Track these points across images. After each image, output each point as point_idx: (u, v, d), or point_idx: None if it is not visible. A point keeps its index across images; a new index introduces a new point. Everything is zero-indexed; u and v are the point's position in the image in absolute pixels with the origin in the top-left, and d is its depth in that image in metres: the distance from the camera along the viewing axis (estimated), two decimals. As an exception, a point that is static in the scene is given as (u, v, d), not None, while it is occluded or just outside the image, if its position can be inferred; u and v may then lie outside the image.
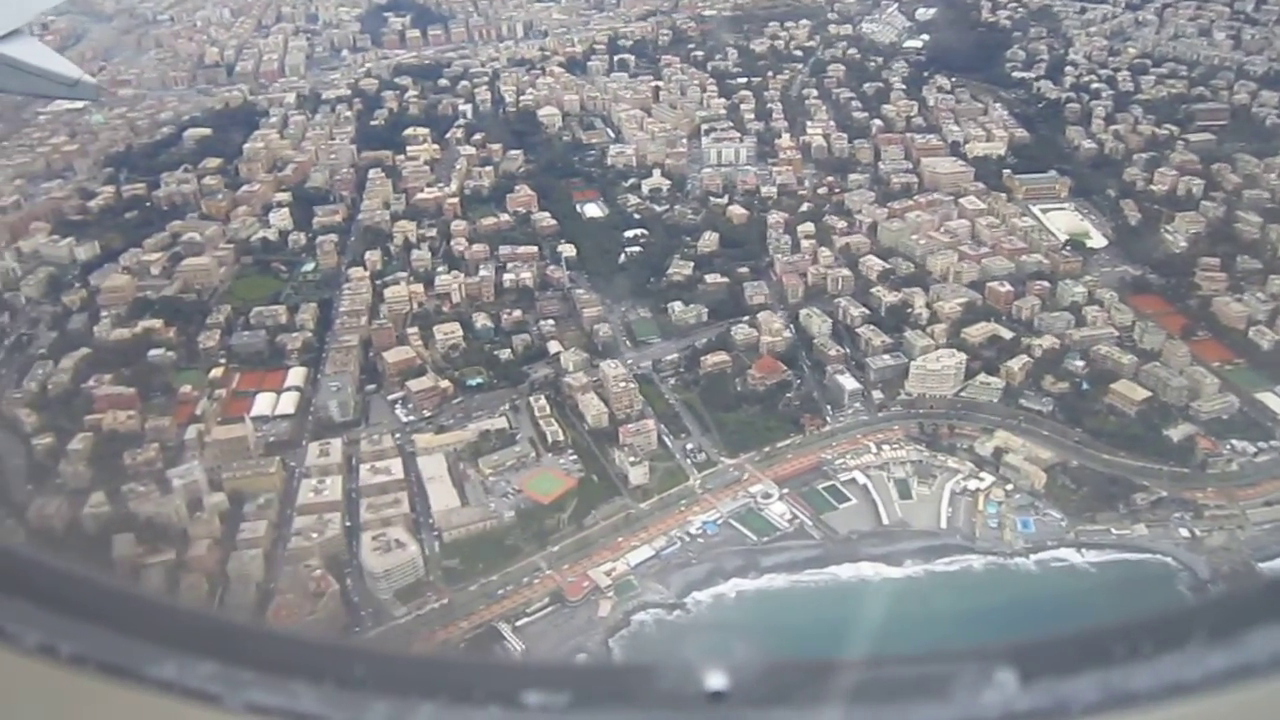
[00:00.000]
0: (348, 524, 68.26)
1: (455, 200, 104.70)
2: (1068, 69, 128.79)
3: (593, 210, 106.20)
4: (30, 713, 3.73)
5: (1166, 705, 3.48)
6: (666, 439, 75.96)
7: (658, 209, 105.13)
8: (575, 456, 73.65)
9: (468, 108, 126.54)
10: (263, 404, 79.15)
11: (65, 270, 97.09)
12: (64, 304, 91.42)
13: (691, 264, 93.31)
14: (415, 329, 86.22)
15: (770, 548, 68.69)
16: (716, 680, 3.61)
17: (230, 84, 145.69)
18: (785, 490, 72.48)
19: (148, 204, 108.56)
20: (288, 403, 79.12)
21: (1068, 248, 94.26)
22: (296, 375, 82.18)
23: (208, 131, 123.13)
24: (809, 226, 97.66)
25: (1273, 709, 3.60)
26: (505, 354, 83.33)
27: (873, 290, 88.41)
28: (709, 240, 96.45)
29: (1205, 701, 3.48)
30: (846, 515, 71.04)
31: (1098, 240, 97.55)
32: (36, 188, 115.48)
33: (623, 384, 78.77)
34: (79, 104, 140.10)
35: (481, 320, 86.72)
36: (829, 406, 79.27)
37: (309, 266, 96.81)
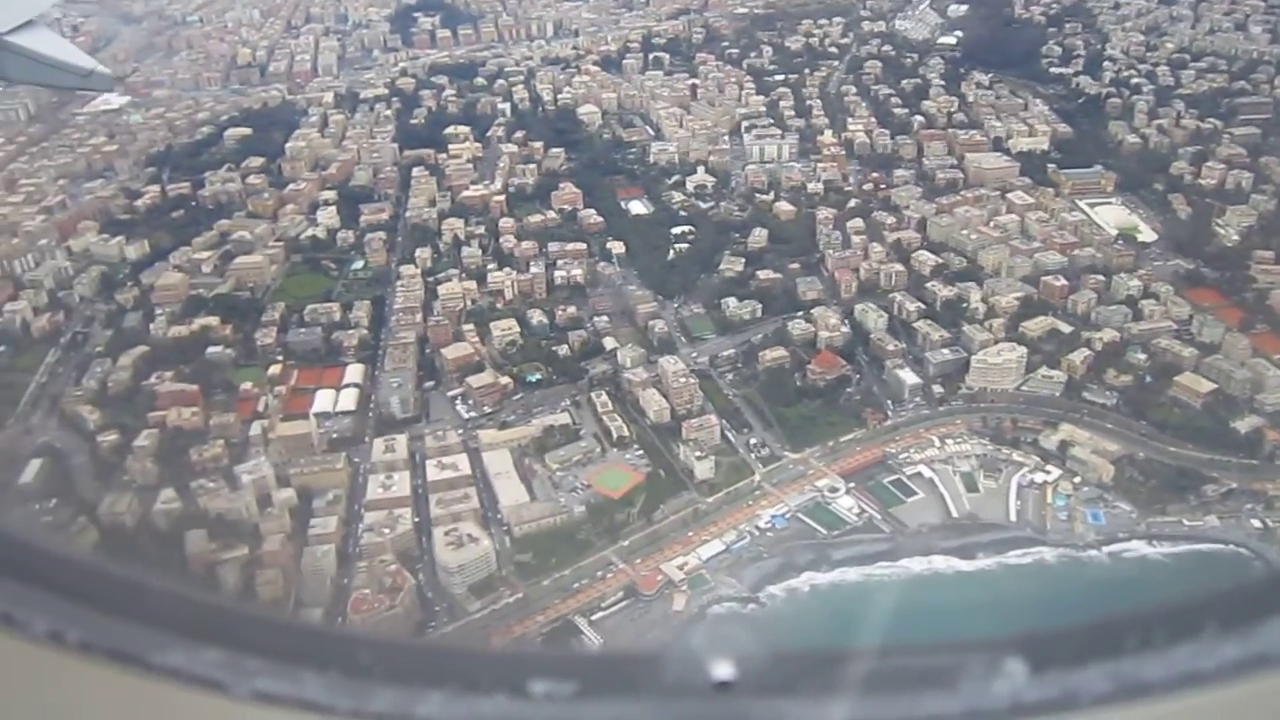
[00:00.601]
0: (417, 520, 68.06)
1: (501, 198, 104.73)
2: (1106, 64, 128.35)
3: (638, 207, 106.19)
4: (39, 700, 3.74)
5: (1179, 696, 3.45)
6: (729, 434, 75.87)
7: (703, 206, 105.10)
8: (641, 451, 73.60)
9: (506, 106, 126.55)
10: (323, 400, 79.22)
11: (116, 269, 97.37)
12: (118, 302, 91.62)
13: (742, 260, 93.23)
14: (471, 326, 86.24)
15: (840, 541, 68.61)
16: (723, 670, 3.57)
17: (264, 84, 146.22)
18: (851, 484, 72.38)
19: (193, 203, 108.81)
20: (348, 399, 79.18)
21: (1119, 242, 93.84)
22: (355, 372, 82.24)
23: (248, 131, 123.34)
24: (858, 222, 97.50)
25: None
26: (563, 350, 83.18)
27: (927, 285, 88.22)
28: (758, 236, 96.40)
29: (1219, 692, 3.45)
30: (914, 509, 70.91)
31: (1147, 234, 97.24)
32: (79, 188, 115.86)
33: (683, 379, 78.80)
34: (109, 103, 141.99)
35: (537, 317, 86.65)
36: (889, 401, 79.15)
37: (358, 264, 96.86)
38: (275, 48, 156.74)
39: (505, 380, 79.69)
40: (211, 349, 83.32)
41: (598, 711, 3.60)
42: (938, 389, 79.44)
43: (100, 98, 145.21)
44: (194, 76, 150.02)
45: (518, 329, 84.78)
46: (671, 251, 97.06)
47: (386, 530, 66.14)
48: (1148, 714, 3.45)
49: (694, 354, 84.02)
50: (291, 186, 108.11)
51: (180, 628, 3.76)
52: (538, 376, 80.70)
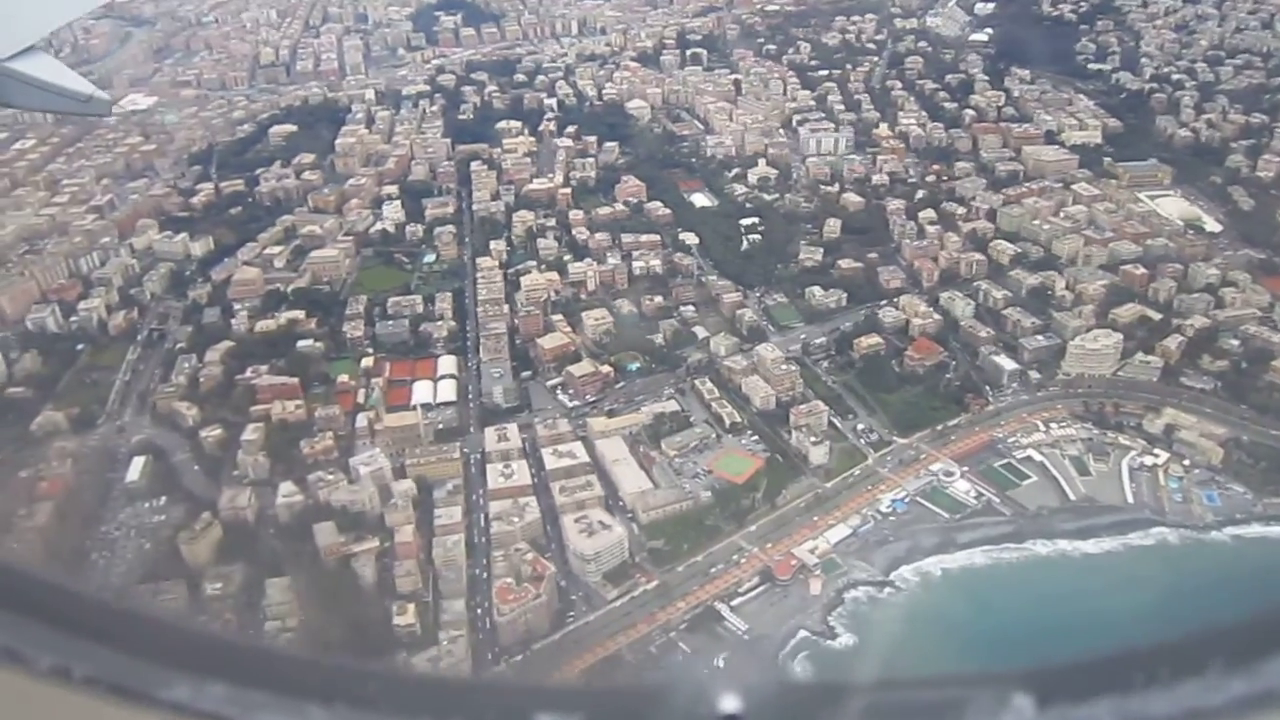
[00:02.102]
0: (543, 508, 67.44)
1: (567, 191, 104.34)
2: (1143, 60, 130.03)
3: (701, 200, 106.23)
4: None
5: None
6: (834, 420, 75.89)
7: (767, 198, 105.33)
8: (756, 437, 73.47)
9: (553, 102, 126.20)
10: (422, 392, 78.52)
11: (183, 265, 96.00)
12: (192, 299, 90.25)
13: (820, 250, 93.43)
14: (559, 316, 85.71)
15: (963, 524, 68.87)
16: (729, 703, 3.54)
17: (291, 83, 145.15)
18: (965, 468, 72.55)
19: (250, 199, 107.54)
20: (447, 390, 78.51)
21: (1189, 232, 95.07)
22: (448, 364, 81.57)
23: (293, 128, 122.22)
24: (929, 213, 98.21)
25: None
26: (657, 339, 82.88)
27: (1011, 274, 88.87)
28: (832, 227, 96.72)
29: None
30: (1030, 492, 71.31)
31: (1211, 225, 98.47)
32: (122, 187, 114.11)
33: (783, 367, 78.79)
34: (136, 104, 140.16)
35: (626, 307, 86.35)
36: (987, 387, 79.53)
37: (430, 258, 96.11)
38: (297, 47, 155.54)
39: (606, 369, 79.36)
40: (301, 342, 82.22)
41: None
42: (1034, 375, 79.96)
43: (128, 98, 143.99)
44: (220, 76, 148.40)
45: (610, 319, 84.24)
46: (744, 242, 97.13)
47: (516, 519, 65.51)
48: None
49: (782, 342, 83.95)
50: (352, 182, 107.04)
51: (185, 662, 3.71)
52: (637, 365, 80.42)
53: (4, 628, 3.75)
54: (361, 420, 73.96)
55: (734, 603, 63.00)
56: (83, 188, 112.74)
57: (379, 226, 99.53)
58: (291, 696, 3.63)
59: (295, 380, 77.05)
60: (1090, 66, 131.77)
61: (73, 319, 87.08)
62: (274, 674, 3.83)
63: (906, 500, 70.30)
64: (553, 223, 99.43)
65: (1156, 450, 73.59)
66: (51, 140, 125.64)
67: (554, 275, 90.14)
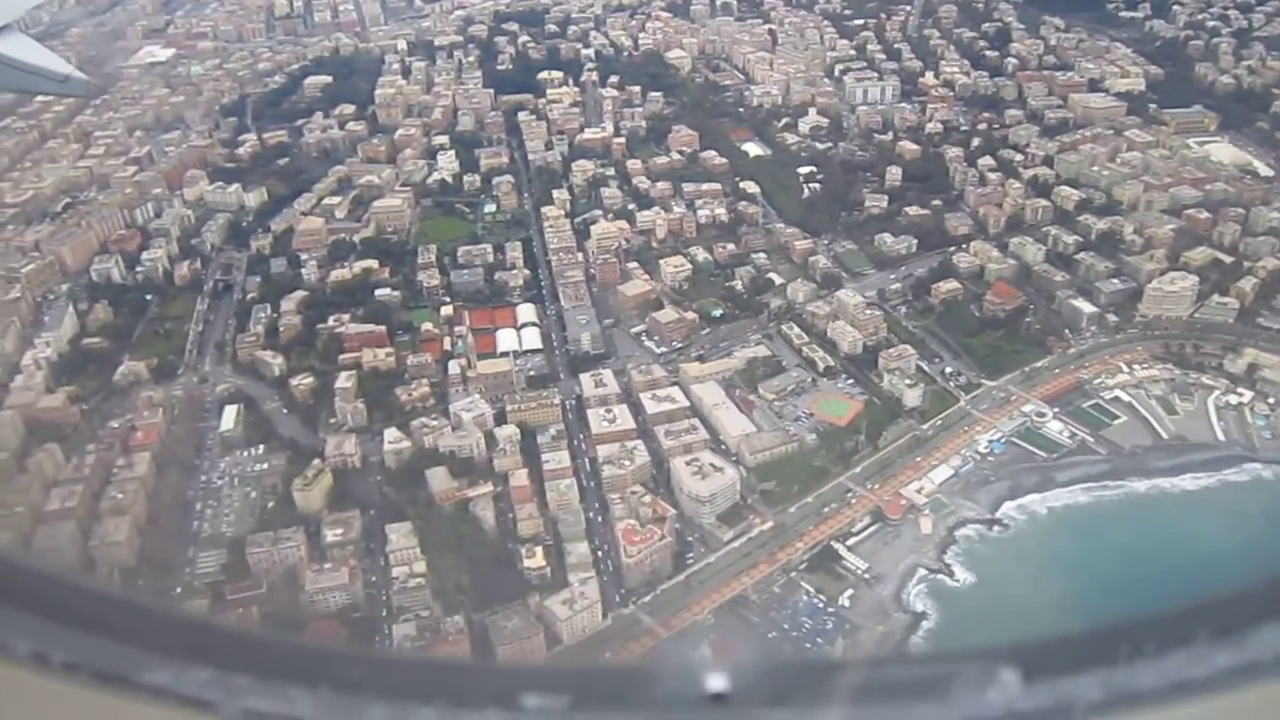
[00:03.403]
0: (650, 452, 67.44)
1: (621, 141, 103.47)
2: (1175, 8, 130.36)
3: (753, 149, 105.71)
4: None
5: (1172, 704, 3.46)
6: (920, 363, 76.29)
7: (820, 146, 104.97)
8: (852, 380, 73.80)
9: (589, 52, 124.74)
10: (506, 340, 78.02)
11: (238, 216, 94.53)
12: (254, 249, 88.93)
13: (886, 197, 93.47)
14: (634, 264, 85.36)
15: (1060, 464, 69.72)
16: (717, 682, 3.55)
17: (310, 34, 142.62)
18: (1055, 409, 73.31)
19: (295, 150, 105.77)
20: (532, 338, 78.17)
21: (1247, 177, 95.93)
22: (526, 311, 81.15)
23: (328, 79, 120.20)
24: (988, 160, 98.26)
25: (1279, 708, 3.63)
26: (735, 286, 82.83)
27: (1079, 219, 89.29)
28: (893, 175, 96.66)
29: (1211, 701, 3.47)
30: (1122, 431, 72.23)
31: (1263, 169, 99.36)
32: (156, 139, 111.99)
33: (866, 312, 79.06)
34: (154, 55, 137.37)
35: (701, 254, 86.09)
36: (1066, 330, 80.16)
37: (490, 207, 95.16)
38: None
39: (691, 315, 79.16)
40: (379, 291, 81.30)
41: None
42: (1111, 318, 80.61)
43: (144, 50, 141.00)
44: (236, 28, 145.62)
45: (689, 266, 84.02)
46: (805, 190, 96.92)
47: (627, 463, 65.46)
48: None
49: (857, 288, 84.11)
50: (401, 132, 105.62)
51: (167, 646, 3.69)
52: (720, 311, 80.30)
53: None
54: (453, 368, 73.44)
55: (849, 542, 63.47)
56: (116, 140, 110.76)
57: (436, 176, 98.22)
58: (275, 680, 3.59)
59: (382, 329, 76.30)
60: (1122, 14, 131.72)
61: (137, 269, 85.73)
62: (257, 658, 3.79)
63: (1003, 441, 71.01)
64: (611, 172, 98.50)
65: (1240, 389, 74.54)
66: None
67: (623, 224, 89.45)
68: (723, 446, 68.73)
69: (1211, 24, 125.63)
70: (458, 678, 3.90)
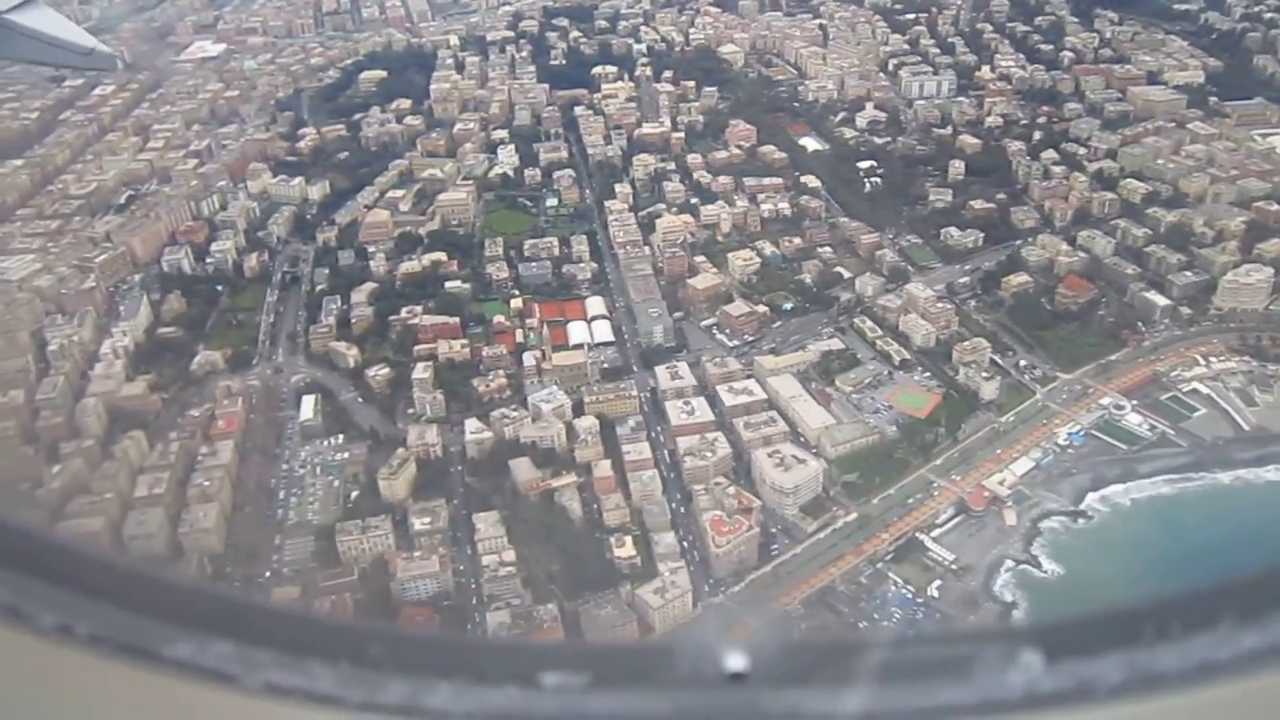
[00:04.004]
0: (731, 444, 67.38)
1: (680, 135, 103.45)
2: (1229, 1, 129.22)
3: (811, 144, 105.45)
4: (47, 694, 3.75)
5: (1195, 687, 3.42)
6: (994, 357, 75.96)
7: (878, 141, 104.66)
8: (928, 374, 73.55)
9: (641, 47, 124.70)
10: (578, 332, 78.11)
11: (302, 209, 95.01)
12: (320, 241, 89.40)
13: (950, 191, 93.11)
14: (701, 258, 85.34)
15: (1142, 456, 69.30)
16: (736, 661, 3.54)
17: (360, 30, 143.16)
18: (1134, 402, 72.85)
19: (354, 144, 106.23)
20: (603, 330, 78.25)
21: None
22: (595, 304, 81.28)
23: (382, 73, 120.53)
24: (1051, 153, 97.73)
25: None
26: (804, 280, 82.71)
27: (1147, 212, 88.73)
28: (956, 169, 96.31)
29: (1236, 684, 3.42)
30: (1202, 423, 71.71)
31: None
32: (213, 132, 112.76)
33: (937, 305, 78.80)
34: (205, 50, 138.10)
35: (768, 248, 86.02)
36: (1138, 322, 79.65)
37: (552, 201, 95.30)
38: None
39: (762, 308, 79.10)
40: (449, 284, 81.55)
41: (609, 703, 3.55)
42: (1185, 310, 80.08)
43: (195, 45, 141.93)
44: (286, 23, 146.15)
45: (758, 260, 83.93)
46: (866, 185, 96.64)
47: (709, 455, 65.42)
48: (1163, 707, 3.42)
49: (925, 282, 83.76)
50: (460, 126, 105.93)
51: (190, 620, 3.71)
52: (791, 305, 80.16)
53: (7, 586, 3.72)
54: (528, 359, 73.63)
55: (934, 534, 63.28)
56: (175, 133, 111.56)
57: (497, 170, 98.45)
58: (296, 655, 3.61)
59: (456, 320, 76.54)
60: (1176, 7, 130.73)
61: (207, 260, 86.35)
62: (278, 632, 3.80)
63: (1082, 433, 70.61)
64: (672, 166, 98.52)
65: (1319, 382, 73.86)
66: (130, 86, 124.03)
67: (688, 218, 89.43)
68: (801, 439, 68.56)
69: (1269, 15, 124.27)
70: (477, 654, 3.94)
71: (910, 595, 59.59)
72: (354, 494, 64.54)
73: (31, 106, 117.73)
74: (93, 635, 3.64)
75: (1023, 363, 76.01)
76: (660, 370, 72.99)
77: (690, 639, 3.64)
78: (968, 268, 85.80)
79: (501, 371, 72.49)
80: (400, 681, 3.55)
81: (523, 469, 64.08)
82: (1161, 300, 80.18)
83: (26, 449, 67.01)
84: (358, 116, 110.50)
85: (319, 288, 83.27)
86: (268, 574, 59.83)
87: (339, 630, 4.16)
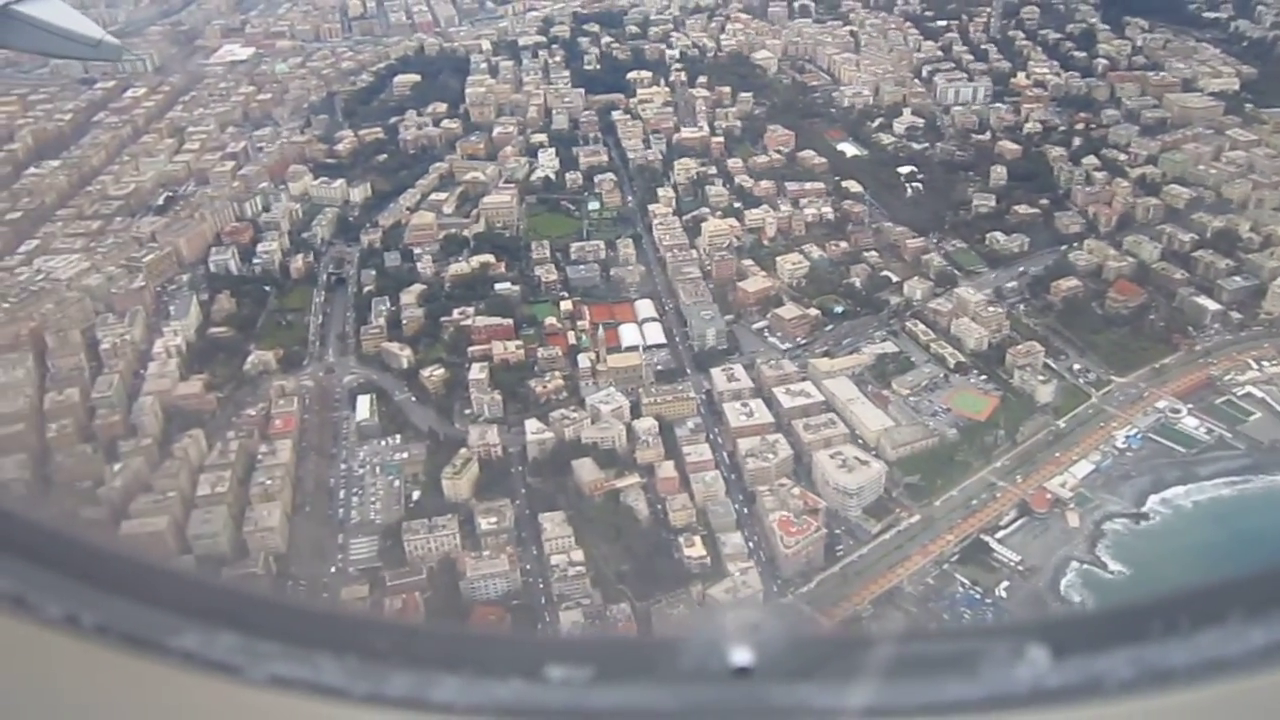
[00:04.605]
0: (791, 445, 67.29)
1: (720, 140, 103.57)
2: (1260, 9, 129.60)
3: (849, 149, 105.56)
4: (52, 684, 3.75)
5: (1204, 683, 3.41)
6: (1047, 360, 75.90)
7: (916, 146, 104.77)
8: (985, 377, 73.49)
9: (674, 53, 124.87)
10: (628, 335, 78.04)
11: (344, 211, 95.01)
12: (365, 243, 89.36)
13: (993, 197, 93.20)
14: (749, 261, 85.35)
15: (1201, 459, 69.22)
16: (742, 655, 3.54)
17: (388, 34, 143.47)
18: (1189, 405, 72.79)
19: (392, 147, 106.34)
20: (654, 333, 78.17)
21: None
22: (645, 307, 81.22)
23: (416, 78, 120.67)
24: (1092, 159, 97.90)
25: None
26: (853, 283, 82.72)
27: (1193, 217, 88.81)
28: (998, 174, 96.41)
29: (1245, 681, 3.41)
30: (1259, 427, 71.67)
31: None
32: (248, 135, 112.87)
33: (988, 309, 78.81)
34: (234, 54, 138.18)
35: (815, 252, 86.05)
36: (1189, 327, 79.66)
37: (594, 205, 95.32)
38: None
39: (813, 311, 79.05)
40: (499, 285, 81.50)
41: (614, 696, 3.55)
42: (1235, 315, 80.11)
43: (224, 48, 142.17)
44: (313, 27, 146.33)
45: (806, 263, 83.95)
46: (908, 190, 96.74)
47: (770, 456, 65.31)
48: (1172, 703, 3.42)
49: (974, 286, 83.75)
50: (499, 130, 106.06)
51: (195, 611, 3.71)
52: (842, 308, 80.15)
53: (12, 575, 3.72)
54: (583, 361, 73.54)
55: (998, 535, 63.15)
56: (210, 136, 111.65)
57: (539, 174, 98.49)
58: (302, 647, 3.61)
59: (509, 322, 76.52)
60: (1206, 15, 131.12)
61: (254, 261, 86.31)
62: (284, 624, 3.80)
63: (1140, 436, 70.55)
64: (713, 171, 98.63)
65: (1374, 387, 73.85)
66: (163, 89, 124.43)
67: (733, 221, 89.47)
68: (859, 441, 68.43)
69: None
70: (482, 647, 3.90)
71: (979, 596, 59.42)
72: (415, 494, 64.32)
73: (65, 109, 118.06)
74: (99, 626, 3.63)
75: (1076, 366, 75.97)
76: (716, 372, 72.89)
77: (696, 633, 3.65)
78: (1015, 272, 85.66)
79: (557, 373, 72.37)
80: (406, 674, 3.55)
81: (586, 469, 63.94)
82: (1212, 305, 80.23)
83: (84, 447, 66.80)
84: (394, 120, 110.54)
85: (366, 289, 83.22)
86: (333, 570, 59.69)
87: (345, 622, 4.20)
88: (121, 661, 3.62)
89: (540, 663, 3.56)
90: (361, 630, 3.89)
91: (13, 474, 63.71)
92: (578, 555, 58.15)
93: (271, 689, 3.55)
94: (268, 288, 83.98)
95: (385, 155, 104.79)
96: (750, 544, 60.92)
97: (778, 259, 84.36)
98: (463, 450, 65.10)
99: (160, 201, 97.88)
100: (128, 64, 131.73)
